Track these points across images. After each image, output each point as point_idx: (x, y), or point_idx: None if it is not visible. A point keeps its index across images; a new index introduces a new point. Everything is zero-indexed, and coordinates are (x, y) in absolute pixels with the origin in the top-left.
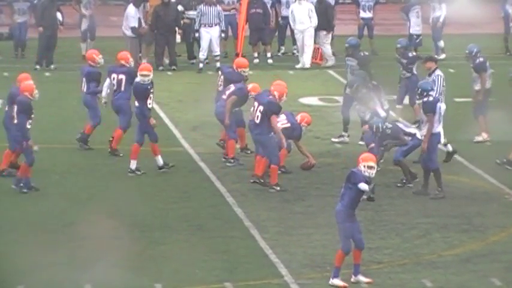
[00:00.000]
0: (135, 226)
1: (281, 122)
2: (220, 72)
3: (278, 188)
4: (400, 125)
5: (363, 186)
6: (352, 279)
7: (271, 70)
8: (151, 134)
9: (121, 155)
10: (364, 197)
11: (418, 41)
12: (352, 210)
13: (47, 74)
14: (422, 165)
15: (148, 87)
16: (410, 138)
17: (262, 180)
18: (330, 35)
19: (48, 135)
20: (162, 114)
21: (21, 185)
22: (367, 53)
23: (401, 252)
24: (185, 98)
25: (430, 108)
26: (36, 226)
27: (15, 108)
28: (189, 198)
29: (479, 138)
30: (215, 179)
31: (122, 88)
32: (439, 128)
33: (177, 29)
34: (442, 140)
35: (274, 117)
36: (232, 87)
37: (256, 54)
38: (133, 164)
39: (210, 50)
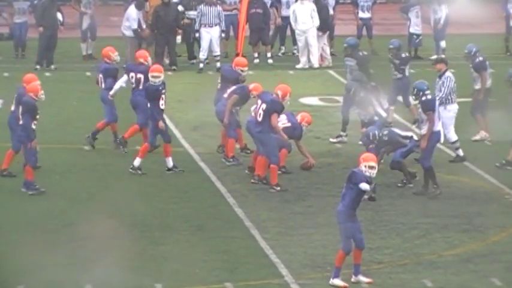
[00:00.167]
0: (136, 226)
1: (282, 121)
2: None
3: (278, 188)
4: (396, 130)
5: (364, 186)
6: (353, 279)
7: (271, 70)
8: (164, 134)
9: (125, 151)
10: (366, 196)
11: (418, 41)
12: (353, 211)
13: (47, 74)
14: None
15: (160, 88)
16: (408, 140)
17: (265, 181)
18: (326, 36)
19: (49, 136)
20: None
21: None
22: (366, 53)
23: (402, 252)
24: (185, 98)
25: (429, 106)
26: (36, 226)
27: (20, 108)
28: (190, 199)
29: (476, 137)
30: (215, 179)
31: (141, 86)
32: (439, 126)
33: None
34: (442, 138)
35: (275, 116)
36: (233, 86)
37: (256, 55)
38: (137, 162)
39: (210, 50)
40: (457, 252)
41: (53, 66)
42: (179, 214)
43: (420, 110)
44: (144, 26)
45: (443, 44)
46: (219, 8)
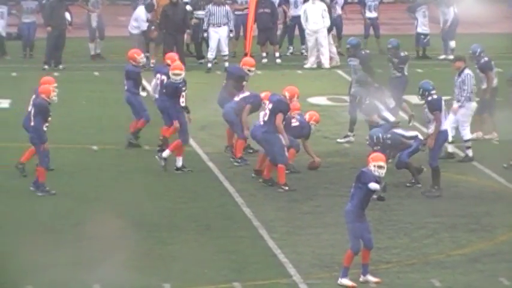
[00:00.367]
0: (143, 226)
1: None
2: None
3: (287, 188)
4: (399, 131)
5: (373, 185)
6: (361, 279)
7: (279, 70)
8: (181, 134)
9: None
10: (374, 196)
11: (425, 40)
12: (361, 210)
13: (56, 74)
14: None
15: (180, 85)
16: (412, 141)
17: (270, 183)
18: (330, 35)
19: (57, 135)
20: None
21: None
22: (367, 51)
23: (410, 252)
24: (193, 97)
25: (436, 106)
26: (44, 226)
27: (33, 110)
28: (198, 198)
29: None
30: (223, 178)
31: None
32: (445, 125)
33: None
34: (450, 138)
35: (280, 115)
36: (246, 93)
37: (264, 54)
38: (179, 161)
39: (218, 49)
40: (465, 252)
41: (61, 66)
42: (187, 214)
43: (427, 109)
44: (152, 27)
45: (452, 43)
46: (227, 7)
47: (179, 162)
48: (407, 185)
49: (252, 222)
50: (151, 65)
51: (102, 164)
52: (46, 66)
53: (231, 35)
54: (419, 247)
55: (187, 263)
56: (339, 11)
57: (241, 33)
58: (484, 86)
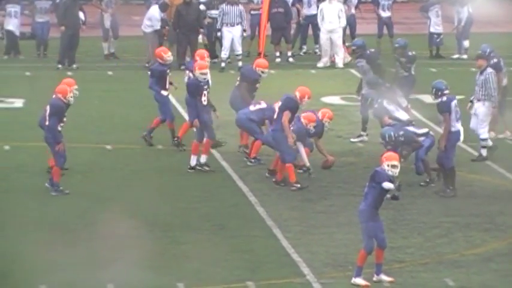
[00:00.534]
0: (157, 225)
1: None
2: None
3: (298, 185)
4: (411, 129)
5: (387, 185)
6: (374, 279)
7: (293, 69)
8: (198, 133)
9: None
10: (388, 196)
11: (438, 40)
12: (375, 210)
13: (69, 73)
14: (438, 162)
15: (201, 84)
16: (424, 137)
17: (282, 184)
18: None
19: (71, 135)
20: (184, 114)
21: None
22: (373, 50)
23: (424, 251)
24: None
25: (445, 108)
26: (58, 225)
27: (48, 110)
28: (211, 198)
29: (500, 136)
30: (237, 178)
31: None
32: (458, 126)
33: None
34: (462, 138)
35: (287, 113)
36: (263, 104)
37: (278, 54)
38: (203, 159)
39: (232, 49)
40: (478, 252)
41: (74, 66)
42: (201, 213)
43: (437, 110)
44: (166, 26)
45: (466, 43)
46: (240, 7)
47: (193, 161)
48: (421, 184)
49: (266, 222)
50: None
51: (115, 163)
52: (60, 66)
53: (245, 34)
54: (433, 246)
55: (201, 262)
56: (352, 10)
57: (257, 33)
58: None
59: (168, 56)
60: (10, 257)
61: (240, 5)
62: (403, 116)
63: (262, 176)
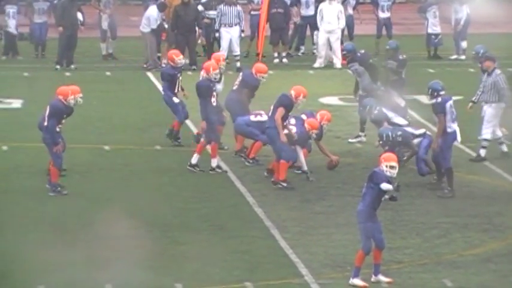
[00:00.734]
0: (156, 226)
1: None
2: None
3: (285, 184)
4: (409, 129)
5: (385, 186)
6: (373, 279)
7: (291, 70)
8: (209, 134)
9: (226, 148)
10: (387, 196)
11: (437, 40)
12: (373, 210)
13: (67, 74)
14: (433, 161)
15: (211, 85)
16: (421, 138)
17: (285, 184)
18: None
19: (69, 135)
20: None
21: (58, 189)
22: (363, 51)
23: (422, 251)
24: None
25: (439, 109)
26: (56, 226)
27: (47, 110)
28: (210, 198)
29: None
30: (235, 178)
31: None
32: (454, 127)
33: (197, 29)
34: (459, 138)
35: (281, 110)
36: (264, 117)
37: (276, 54)
38: (214, 162)
39: (230, 49)
40: (477, 252)
41: (73, 66)
42: (199, 214)
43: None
44: (164, 26)
45: (464, 44)
46: (238, 7)
47: (194, 159)
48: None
49: (264, 222)
50: (163, 65)
51: (114, 164)
52: (58, 66)
53: (243, 35)
54: (432, 247)
55: (200, 262)
56: (350, 11)
57: (257, 34)
58: None
59: (180, 59)
60: (9, 257)
61: (238, 5)
62: (401, 121)
63: (260, 177)
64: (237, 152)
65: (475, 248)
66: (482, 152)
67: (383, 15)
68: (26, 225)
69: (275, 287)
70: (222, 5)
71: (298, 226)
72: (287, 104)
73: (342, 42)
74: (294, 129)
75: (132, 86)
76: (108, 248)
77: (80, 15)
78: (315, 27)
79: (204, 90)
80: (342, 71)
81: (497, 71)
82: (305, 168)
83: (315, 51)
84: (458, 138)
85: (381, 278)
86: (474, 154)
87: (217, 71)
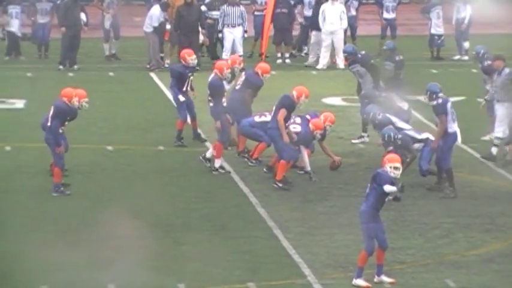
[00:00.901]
0: (158, 226)
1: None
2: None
3: (281, 185)
4: (411, 133)
5: (389, 188)
6: (375, 280)
7: (294, 70)
8: (222, 134)
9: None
10: (390, 197)
11: (439, 41)
12: (376, 211)
13: (70, 74)
14: (436, 163)
15: (223, 85)
16: (423, 144)
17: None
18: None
19: (72, 136)
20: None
21: (61, 189)
22: (363, 52)
23: (424, 252)
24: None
25: (441, 110)
26: (59, 226)
27: (51, 111)
28: (212, 198)
29: (485, 137)
30: (238, 179)
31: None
32: (454, 128)
33: (200, 29)
34: (460, 139)
35: (283, 111)
36: (268, 117)
37: (279, 55)
38: (217, 163)
39: (233, 50)
40: (479, 252)
41: (76, 67)
42: (202, 214)
43: (434, 113)
44: (168, 26)
45: (466, 44)
46: (241, 8)
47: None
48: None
49: (267, 223)
50: (166, 65)
51: (117, 164)
52: (61, 67)
53: (246, 35)
54: (434, 247)
55: (202, 263)
56: (353, 11)
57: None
58: (488, 87)
59: (192, 59)
60: (11, 257)
61: (241, 6)
62: (405, 126)
63: (263, 177)
64: (240, 152)
65: (477, 248)
66: (494, 150)
67: (388, 16)
68: (29, 225)
69: (278, 287)
70: (225, 6)
71: (300, 226)
72: (289, 105)
73: (345, 43)
74: (299, 129)
75: (135, 86)
76: (110, 248)
77: (83, 16)
78: (311, 27)
79: (219, 90)
80: (345, 71)
81: (507, 70)
82: (308, 168)
83: (305, 51)
84: (459, 139)
85: (384, 278)
86: (476, 154)
87: (230, 70)
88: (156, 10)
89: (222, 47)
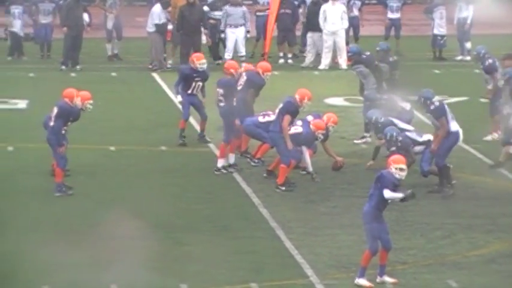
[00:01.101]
0: (160, 227)
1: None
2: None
3: (283, 188)
4: (413, 135)
5: (388, 194)
6: (378, 280)
7: (296, 71)
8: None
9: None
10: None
11: (442, 41)
12: (379, 211)
13: (73, 74)
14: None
15: (235, 85)
16: (425, 146)
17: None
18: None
19: (74, 136)
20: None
21: (64, 189)
22: (368, 53)
23: (426, 252)
24: (210, 98)
25: (440, 112)
26: (61, 226)
27: (55, 111)
28: (214, 199)
29: (488, 138)
30: (240, 179)
31: None
32: (456, 126)
33: (202, 30)
34: (461, 138)
35: (288, 117)
36: (272, 116)
37: (281, 54)
38: (220, 163)
39: (235, 50)
40: (481, 253)
41: (78, 67)
42: (204, 214)
43: (432, 118)
44: (169, 26)
45: (468, 45)
46: (244, 8)
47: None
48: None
49: (269, 223)
50: (168, 66)
51: (119, 164)
52: (63, 67)
53: (248, 35)
54: (436, 248)
55: (204, 263)
56: (355, 12)
57: (262, 35)
58: (490, 86)
59: (200, 63)
60: (13, 257)
61: (243, 6)
62: (407, 127)
63: (266, 178)
64: (242, 153)
65: (479, 249)
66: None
67: (392, 16)
68: (31, 225)
69: None
70: (228, 6)
71: (303, 227)
72: (293, 111)
73: (347, 43)
74: (300, 129)
75: (137, 86)
76: (112, 248)
77: (86, 16)
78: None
79: (233, 89)
80: (347, 71)
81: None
82: (310, 169)
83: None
84: (461, 138)
85: (386, 278)
86: (479, 155)
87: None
88: (156, 8)
89: (225, 47)
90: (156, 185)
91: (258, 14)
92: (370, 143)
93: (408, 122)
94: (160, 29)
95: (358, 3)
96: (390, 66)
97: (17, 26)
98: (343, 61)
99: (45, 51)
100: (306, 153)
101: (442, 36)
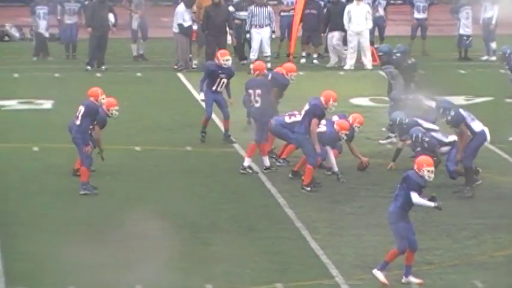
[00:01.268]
0: (185, 227)
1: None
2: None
3: (308, 189)
4: (439, 136)
5: (416, 199)
6: (403, 280)
7: (321, 71)
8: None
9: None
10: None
11: (468, 42)
12: (404, 212)
13: (98, 74)
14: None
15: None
16: (450, 147)
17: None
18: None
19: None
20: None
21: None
22: (399, 55)
23: (452, 253)
24: (236, 98)
25: (459, 120)
26: (87, 226)
27: (82, 110)
28: (240, 199)
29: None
30: (266, 179)
31: None
32: (480, 126)
33: (228, 30)
34: (488, 137)
35: (315, 121)
36: (298, 117)
37: (304, 54)
38: (247, 162)
39: (260, 50)
40: (507, 253)
41: (103, 67)
42: (229, 215)
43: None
44: (195, 27)
45: (494, 45)
46: (269, 8)
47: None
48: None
49: (294, 223)
50: (194, 66)
51: (144, 164)
52: (89, 67)
53: (273, 36)
54: (462, 248)
55: (230, 263)
56: (381, 11)
57: (287, 35)
58: None
59: (224, 59)
60: (39, 257)
61: (268, 6)
62: (432, 126)
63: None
64: (268, 152)
65: (505, 249)
66: None
67: (418, 16)
68: (57, 226)
69: None
70: (253, 6)
71: (328, 227)
72: (320, 114)
73: (372, 43)
74: (324, 129)
75: (162, 87)
76: (138, 248)
77: (111, 17)
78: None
79: (268, 89)
80: (372, 72)
81: None
82: (335, 169)
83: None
84: (488, 137)
85: (412, 279)
86: (505, 155)
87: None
88: (180, 7)
89: (250, 47)
90: (181, 185)
91: (282, 14)
92: (395, 144)
93: (433, 122)
94: (185, 30)
95: (384, 3)
96: (411, 69)
97: (42, 27)
98: (368, 61)
99: (70, 51)
100: (331, 154)
101: (468, 37)
